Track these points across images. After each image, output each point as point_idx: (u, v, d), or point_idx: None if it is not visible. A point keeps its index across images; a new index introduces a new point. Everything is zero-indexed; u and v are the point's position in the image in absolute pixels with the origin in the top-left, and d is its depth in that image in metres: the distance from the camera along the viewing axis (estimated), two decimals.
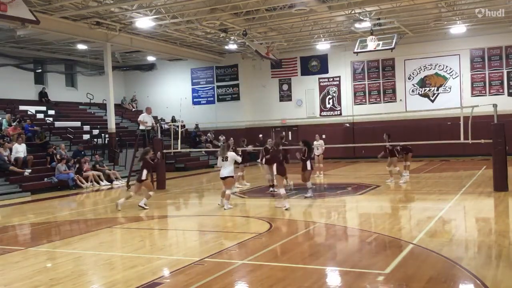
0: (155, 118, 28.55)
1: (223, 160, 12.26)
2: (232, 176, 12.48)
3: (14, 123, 20.79)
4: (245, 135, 26.19)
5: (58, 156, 19.32)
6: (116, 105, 26.40)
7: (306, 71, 29.92)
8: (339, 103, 29.20)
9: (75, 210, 14.48)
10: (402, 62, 27.69)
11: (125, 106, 31.85)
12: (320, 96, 29.66)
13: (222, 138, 29.40)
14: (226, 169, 12.25)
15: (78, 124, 25.59)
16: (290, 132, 30.64)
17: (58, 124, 24.39)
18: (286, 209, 11.45)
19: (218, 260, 7.23)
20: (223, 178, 12.25)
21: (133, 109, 31.55)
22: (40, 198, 16.62)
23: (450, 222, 10.10)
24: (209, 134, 29.69)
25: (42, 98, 26.71)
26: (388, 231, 8.98)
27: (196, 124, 28.79)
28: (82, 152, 20.83)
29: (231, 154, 12.37)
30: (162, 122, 26.27)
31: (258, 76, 30.88)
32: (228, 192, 12.25)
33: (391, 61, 27.86)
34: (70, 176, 18.63)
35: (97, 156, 21.04)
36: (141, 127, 18.86)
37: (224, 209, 11.98)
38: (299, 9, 19.92)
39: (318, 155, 19.04)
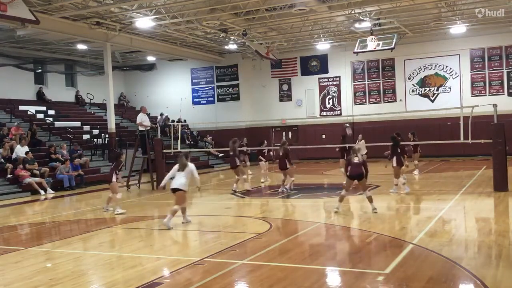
0: (154, 118, 28.63)
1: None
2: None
3: (16, 123, 20.79)
4: (245, 135, 26.24)
5: (60, 157, 19.30)
6: (116, 105, 26.40)
7: (306, 71, 29.91)
8: (339, 103, 29.20)
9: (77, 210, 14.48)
10: (402, 62, 27.69)
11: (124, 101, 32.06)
12: (320, 96, 29.65)
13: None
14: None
15: (78, 124, 25.59)
16: (290, 132, 30.68)
17: (58, 124, 24.38)
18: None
19: (218, 260, 7.22)
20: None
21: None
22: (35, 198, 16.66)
23: (450, 222, 10.09)
24: (209, 138, 29.84)
25: (40, 98, 26.68)
26: (388, 231, 8.98)
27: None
28: (78, 152, 20.78)
29: None
30: (169, 123, 26.25)
31: (258, 76, 30.86)
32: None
33: (391, 61, 27.85)
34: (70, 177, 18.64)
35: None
36: (140, 128, 18.81)
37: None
38: (299, 9, 19.91)
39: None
